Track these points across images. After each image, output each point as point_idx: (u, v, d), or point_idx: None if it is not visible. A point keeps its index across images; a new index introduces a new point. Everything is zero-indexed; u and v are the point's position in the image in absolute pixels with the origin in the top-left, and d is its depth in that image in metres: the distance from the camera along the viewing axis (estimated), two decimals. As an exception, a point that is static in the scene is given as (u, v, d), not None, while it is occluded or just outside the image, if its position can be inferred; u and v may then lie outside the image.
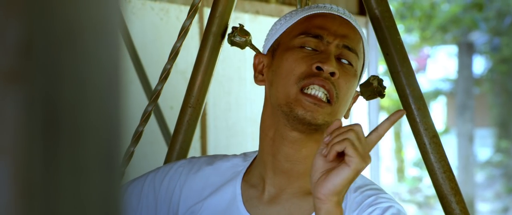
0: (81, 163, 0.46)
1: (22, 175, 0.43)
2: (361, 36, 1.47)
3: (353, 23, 1.47)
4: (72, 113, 0.45)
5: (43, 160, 0.44)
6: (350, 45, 1.43)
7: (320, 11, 1.46)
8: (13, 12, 0.43)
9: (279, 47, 1.46)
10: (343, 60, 1.42)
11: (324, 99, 1.38)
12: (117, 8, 0.48)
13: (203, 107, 1.79)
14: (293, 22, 1.47)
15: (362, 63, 1.47)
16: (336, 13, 1.46)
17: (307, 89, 1.38)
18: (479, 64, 12.46)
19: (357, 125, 1.23)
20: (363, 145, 1.22)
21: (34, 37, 0.43)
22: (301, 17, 1.47)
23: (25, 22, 0.43)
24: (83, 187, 0.46)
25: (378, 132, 1.25)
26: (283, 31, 1.47)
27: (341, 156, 1.22)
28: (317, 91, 1.38)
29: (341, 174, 1.20)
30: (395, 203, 1.39)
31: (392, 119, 1.26)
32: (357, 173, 1.21)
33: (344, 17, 1.46)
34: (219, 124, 3.54)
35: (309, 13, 1.47)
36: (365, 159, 1.21)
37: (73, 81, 0.45)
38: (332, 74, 1.38)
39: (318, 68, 1.38)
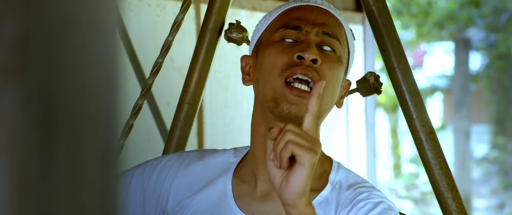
0: (78, 160, 0.46)
1: (19, 172, 0.43)
2: (342, 24, 1.47)
3: (332, 11, 1.47)
4: (69, 109, 0.45)
5: (40, 157, 0.44)
6: (330, 31, 1.44)
7: (297, 4, 1.48)
8: (10, 8, 0.43)
9: (261, 45, 1.47)
10: (325, 47, 1.43)
11: (308, 90, 1.38)
12: (114, 4, 0.48)
13: (200, 103, 1.79)
14: (272, 19, 1.49)
15: (346, 50, 1.47)
16: (313, 4, 1.47)
17: (292, 82, 1.38)
18: (476, 61, 12.47)
19: (288, 124, 1.23)
20: (305, 137, 1.21)
21: (31, 33, 0.43)
22: (279, 12, 1.49)
23: (22, 18, 0.43)
24: (81, 183, 0.46)
25: (310, 112, 1.25)
26: (264, 29, 1.49)
27: (291, 158, 1.22)
28: (300, 84, 1.38)
29: (300, 175, 1.20)
30: (387, 200, 1.40)
31: (315, 92, 1.25)
32: (313, 166, 1.21)
33: (322, 7, 1.47)
34: (216, 120, 3.54)
35: (286, 8, 1.48)
36: (314, 149, 1.21)
37: (70, 78, 0.45)
38: (314, 61, 1.39)
39: (299, 57, 1.39)
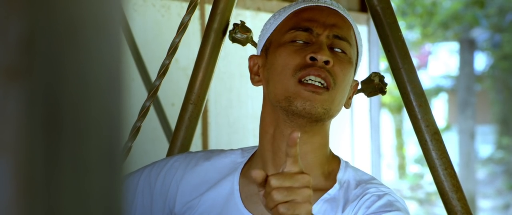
0: (83, 160, 0.46)
1: (24, 172, 0.43)
2: (351, 24, 1.48)
3: (341, 12, 1.48)
4: (73, 109, 0.45)
5: (44, 156, 0.44)
6: (340, 34, 1.44)
7: (307, 5, 1.48)
8: (15, 8, 0.43)
9: (271, 45, 1.47)
10: (336, 49, 1.43)
11: (322, 84, 1.39)
12: (119, 5, 0.48)
13: (204, 104, 1.79)
14: (282, 19, 1.49)
15: (355, 50, 1.48)
16: (323, 5, 1.47)
17: (304, 80, 1.39)
18: (481, 61, 12.45)
19: (272, 178, 1.18)
20: (293, 187, 1.18)
21: (36, 33, 0.43)
22: (289, 13, 1.49)
23: (27, 18, 0.43)
24: (85, 183, 0.46)
25: (290, 158, 1.21)
26: (273, 29, 1.49)
27: None
28: (314, 81, 1.38)
29: None
30: (394, 194, 1.41)
31: (290, 146, 1.20)
32: (309, 213, 1.19)
33: (332, 7, 1.47)
34: (221, 120, 3.54)
35: (296, 8, 1.48)
36: (305, 199, 1.18)
37: (74, 78, 0.45)
38: (327, 62, 1.39)
39: (312, 58, 1.39)
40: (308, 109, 1.38)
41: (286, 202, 1.17)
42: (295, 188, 1.18)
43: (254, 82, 1.50)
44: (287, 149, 1.20)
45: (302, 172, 1.20)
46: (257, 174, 1.19)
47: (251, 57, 1.51)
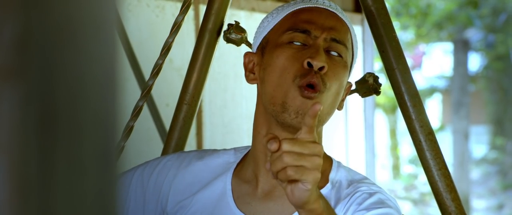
0: (78, 160, 0.46)
1: (18, 173, 0.43)
2: (348, 27, 1.48)
3: (340, 14, 1.47)
4: (68, 109, 0.45)
5: (39, 157, 0.44)
6: (338, 37, 1.44)
7: (306, 6, 1.47)
8: (9, 8, 0.43)
9: (268, 45, 1.46)
10: (333, 53, 1.43)
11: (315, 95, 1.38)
12: (113, 5, 0.48)
13: (198, 104, 1.79)
14: (280, 18, 1.48)
15: (351, 53, 1.48)
16: (322, 6, 1.47)
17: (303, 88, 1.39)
18: (475, 62, 12.48)
19: (284, 141, 1.16)
20: (304, 154, 1.16)
21: (29, 33, 0.43)
22: (287, 13, 1.48)
23: (21, 18, 0.43)
24: (80, 183, 0.46)
25: (306, 127, 1.19)
26: (271, 28, 1.48)
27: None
28: (309, 93, 1.38)
29: (304, 192, 1.16)
30: (385, 193, 1.41)
31: (311, 113, 1.18)
32: (317, 182, 1.17)
33: (330, 9, 1.47)
34: (215, 121, 3.54)
35: (295, 8, 1.47)
36: (315, 166, 1.16)
37: (69, 78, 0.45)
38: (321, 69, 1.39)
39: (309, 64, 1.39)
40: (296, 124, 1.37)
41: (295, 166, 1.15)
42: (306, 155, 1.16)
43: (249, 80, 1.49)
44: (305, 119, 1.18)
45: (314, 142, 1.18)
46: (273, 143, 1.17)
47: (247, 54, 1.50)
